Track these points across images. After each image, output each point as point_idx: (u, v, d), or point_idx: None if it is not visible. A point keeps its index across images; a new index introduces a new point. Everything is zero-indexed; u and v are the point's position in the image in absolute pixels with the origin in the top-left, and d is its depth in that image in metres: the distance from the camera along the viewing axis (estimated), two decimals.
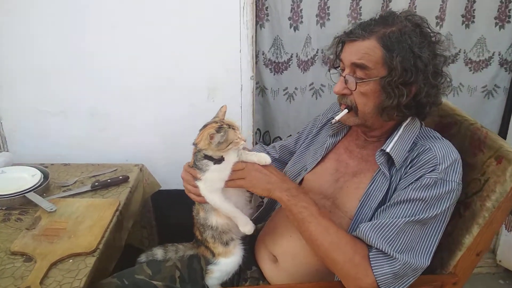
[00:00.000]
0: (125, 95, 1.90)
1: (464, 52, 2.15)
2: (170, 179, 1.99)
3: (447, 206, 1.10)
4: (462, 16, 2.07)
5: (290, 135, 1.89)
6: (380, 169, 1.19)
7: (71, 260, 1.24)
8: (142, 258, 1.42)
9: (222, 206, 1.21)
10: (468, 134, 1.30)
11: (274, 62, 2.05)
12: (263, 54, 2.03)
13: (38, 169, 1.66)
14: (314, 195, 1.31)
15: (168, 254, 1.41)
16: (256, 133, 2.21)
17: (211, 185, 1.19)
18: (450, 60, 2.09)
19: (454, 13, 2.05)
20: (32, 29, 1.78)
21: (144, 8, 1.77)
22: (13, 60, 1.82)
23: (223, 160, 1.16)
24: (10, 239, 1.33)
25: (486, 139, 1.23)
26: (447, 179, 1.10)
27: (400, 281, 1.08)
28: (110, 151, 1.96)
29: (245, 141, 1.16)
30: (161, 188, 1.96)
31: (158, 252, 1.42)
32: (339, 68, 1.24)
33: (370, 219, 1.16)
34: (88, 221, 1.41)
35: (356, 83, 1.15)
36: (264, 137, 2.27)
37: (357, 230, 1.12)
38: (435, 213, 1.09)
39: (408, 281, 1.09)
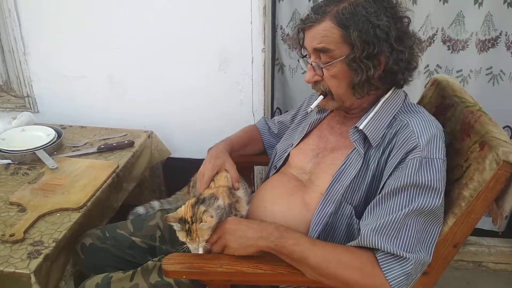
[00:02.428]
0: (141, 64, 1.95)
1: (506, 35, 1.92)
2: (183, 147, 2.08)
3: (440, 188, 1.03)
4: None
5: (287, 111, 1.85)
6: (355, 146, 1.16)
7: (58, 214, 1.34)
8: (140, 210, 1.47)
9: None
10: (460, 117, 1.21)
11: (292, 37, 2.01)
12: (281, 28, 1.99)
13: (54, 129, 1.78)
14: (295, 169, 1.32)
15: (163, 204, 1.48)
16: (276, 112, 2.19)
17: None
18: (490, 44, 1.92)
19: None
20: (55, 3, 1.89)
21: None
22: (38, 29, 1.94)
23: None
24: (13, 190, 1.44)
25: (475, 123, 1.14)
26: (431, 157, 1.04)
27: (410, 280, 1.03)
28: (129, 117, 2.03)
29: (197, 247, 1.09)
30: (174, 156, 2.04)
31: (155, 204, 1.48)
32: (307, 56, 1.21)
33: (342, 196, 1.14)
34: (84, 180, 1.50)
35: (322, 68, 1.13)
36: None
37: (359, 237, 1.06)
38: (431, 199, 1.02)
39: (415, 278, 1.04)
